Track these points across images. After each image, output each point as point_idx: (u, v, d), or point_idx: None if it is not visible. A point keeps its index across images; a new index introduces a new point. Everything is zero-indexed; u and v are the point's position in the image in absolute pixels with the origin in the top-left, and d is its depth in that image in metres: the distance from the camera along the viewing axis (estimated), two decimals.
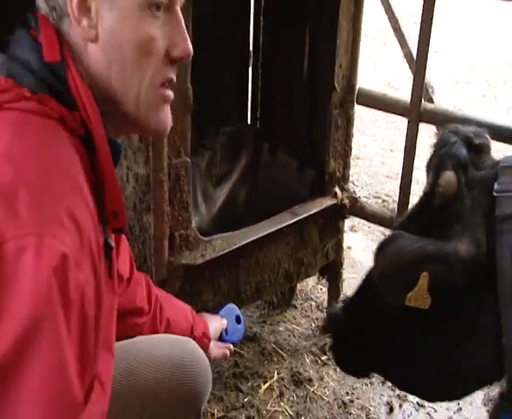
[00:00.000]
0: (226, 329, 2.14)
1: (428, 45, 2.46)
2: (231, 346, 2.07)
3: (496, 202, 1.51)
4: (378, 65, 5.72)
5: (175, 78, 1.30)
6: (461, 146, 1.61)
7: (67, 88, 1.18)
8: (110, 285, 1.38)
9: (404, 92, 2.46)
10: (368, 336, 1.86)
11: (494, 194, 1.52)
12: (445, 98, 5.31)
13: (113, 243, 1.35)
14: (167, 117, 1.33)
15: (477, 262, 1.50)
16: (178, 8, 1.23)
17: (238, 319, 2.18)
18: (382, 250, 1.59)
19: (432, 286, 1.50)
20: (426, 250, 1.52)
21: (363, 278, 1.91)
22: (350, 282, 3.04)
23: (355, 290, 1.94)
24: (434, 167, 1.65)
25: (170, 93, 1.30)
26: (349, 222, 3.03)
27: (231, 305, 2.14)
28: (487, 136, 1.69)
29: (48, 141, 1.14)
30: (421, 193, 1.74)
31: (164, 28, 1.21)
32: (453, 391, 1.87)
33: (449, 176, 1.58)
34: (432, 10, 2.41)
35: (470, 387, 1.81)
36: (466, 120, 2.41)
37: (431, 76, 5.60)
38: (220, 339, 2.15)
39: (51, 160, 1.12)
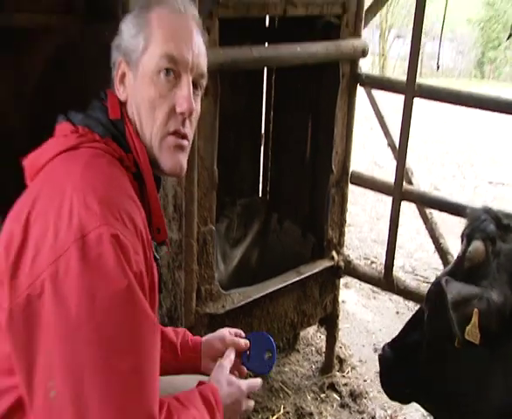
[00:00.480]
0: (249, 355, 1.77)
1: (407, 140, 2.53)
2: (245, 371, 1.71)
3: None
4: (366, 146, 5.80)
5: (184, 131, 1.34)
6: (490, 222, 1.62)
7: (124, 137, 1.32)
8: (153, 297, 1.39)
9: (387, 170, 2.55)
10: (414, 369, 1.80)
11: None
12: (423, 176, 5.39)
13: (157, 255, 1.42)
14: (179, 161, 1.37)
15: (504, 311, 1.49)
16: (185, 75, 1.30)
17: (269, 351, 1.74)
18: (450, 284, 1.56)
19: (481, 324, 1.48)
20: (479, 292, 1.51)
21: (413, 316, 1.88)
22: (345, 331, 3.05)
23: (405, 325, 1.90)
24: (466, 237, 1.65)
25: (181, 142, 1.35)
26: (343, 279, 3.00)
27: (265, 335, 1.76)
28: None
29: (111, 170, 1.25)
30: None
31: (173, 89, 1.29)
32: None
33: (478, 245, 1.59)
34: (411, 109, 2.46)
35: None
36: (436, 201, 2.54)
37: (411, 158, 5.72)
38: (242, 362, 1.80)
39: (114, 181, 1.23)
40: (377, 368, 2.81)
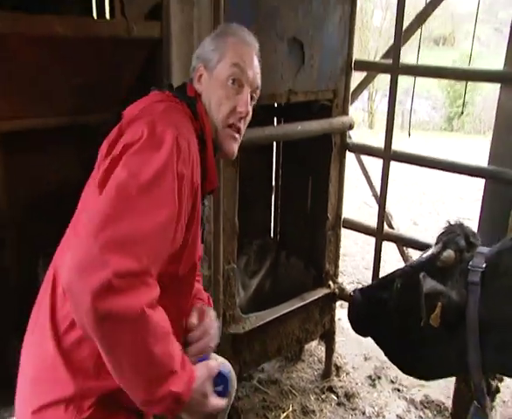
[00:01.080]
0: None
1: (386, 194, 2.55)
2: None
3: (469, 273, 1.54)
4: (359, 187, 5.85)
5: (239, 126, 1.44)
6: (462, 238, 1.67)
7: (196, 110, 1.41)
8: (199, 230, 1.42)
9: (375, 210, 2.59)
10: (377, 318, 1.85)
11: (469, 268, 1.55)
12: (403, 213, 5.44)
13: (206, 202, 1.51)
14: (233, 148, 1.48)
15: (460, 307, 1.52)
16: (246, 86, 1.42)
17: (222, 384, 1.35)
18: (425, 282, 1.58)
19: (442, 314, 1.52)
20: (445, 290, 1.53)
21: (385, 277, 1.90)
22: (340, 343, 3.05)
23: (376, 283, 1.99)
24: (442, 243, 1.69)
25: (236, 135, 1.46)
26: (340, 302, 3.01)
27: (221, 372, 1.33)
28: (478, 237, 1.72)
29: (185, 118, 1.36)
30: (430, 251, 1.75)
31: (236, 95, 1.42)
32: (428, 376, 1.89)
33: (450, 253, 1.63)
34: (388, 169, 2.47)
35: (440, 375, 1.85)
36: (411, 241, 2.59)
37: (393, 198, 5.65)
38: None
39: (187, 123, 1.34)
40: (367, 374, 2.92)
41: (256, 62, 1.48)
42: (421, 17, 2.66)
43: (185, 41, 2.00)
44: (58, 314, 1.24)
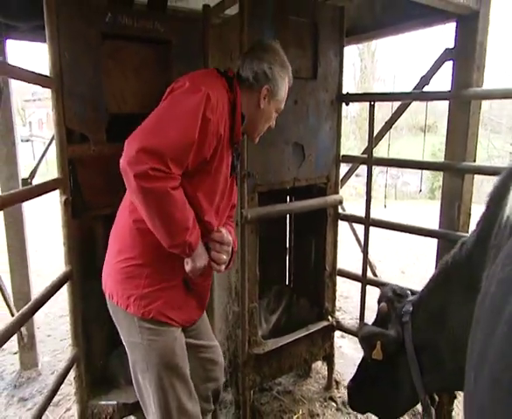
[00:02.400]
0: None
1: (367, 253, 2.58)
2: None
3: (402, 316, 1.54)
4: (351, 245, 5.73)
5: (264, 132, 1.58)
6: (391, 292, 1.67)
7: (232, 84, 1.44)
8: (227, 163, 1.45)
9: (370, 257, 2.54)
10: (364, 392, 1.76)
11: (402, 312, 1.55)
12: (393, 263, 5.35)
13: (236, 145, 1.50)
14: (256, 140, 1.62)
15: (397, 341, 1.51)
16: (278, 114, 1.57)
17: None
18: (362, 329, 1.61)
19: (382, 349, 1.52)
20: (381, 331, 1.55)
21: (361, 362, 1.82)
22: (340, 364, 3.04)
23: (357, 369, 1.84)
24: (379, 301, 1.70)
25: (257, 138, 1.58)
26: (340, 332, 2.99)
27: None
28: (407, 291, 1.69)
29: (218, 83, 1.40)
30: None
31: (273, 116, 1.56)
32: (392, 416, 1.77)
33: (384, 305, 1.65)
34: (368, 233, 2.53)
35: (402, 413, 1.74)
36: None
37: (384, 250, 5.61)
38: None
39: (218, 86, 1.38)
40: None
41: None
42: (388, 123, 2.81)
43: None
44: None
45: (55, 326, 3.69)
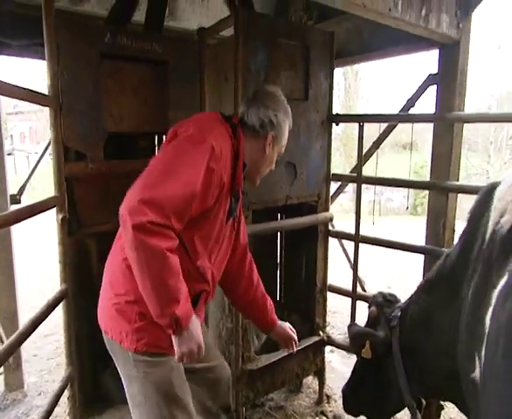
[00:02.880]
0: None
1: (357, 269, 2.59)
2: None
3: (391, 320, 1.60)
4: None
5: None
6: (381, 298, 1.74)
7: (236, 132, 1.43)
8: (224, 210, 1.41)
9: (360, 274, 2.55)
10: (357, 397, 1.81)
11: (390, 317, 1.62)
12: (380, 279, 5.41)
13: (239, 194, 1.50)
14: (257, 183, 1.61)
15: (385, 342, 1.58)
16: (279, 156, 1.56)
17: None
18: (352, 328, 1.70)
19: (371, 348, 1.58)
20: (370, 331, 1.63)
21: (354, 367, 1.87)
22: (331, 379, 3.03)
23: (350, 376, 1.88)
24: (369, 305, 1.77)
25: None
26: (330, 347, 3.00)
27: None
28: (396, 297, 1.76)
29: (223, 131, 1.38)
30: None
31: (275, 159, 1.56)
32: (383, 417, 1.83)
33: (374, 309, 1.72)
34: (358, 249, 2.57)
35: (391, 415, 1.79)
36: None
37: (373, 267, 5.65)
38: None
39: (223, 134, 1.37)
40: None
41: None
42: (376, 144, 2.91)
43: None
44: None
45: (41, 345, 3.59)
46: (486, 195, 1.25)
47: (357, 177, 2.53)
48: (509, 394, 0.81)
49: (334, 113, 2.63)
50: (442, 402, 2.38)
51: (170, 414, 1.38)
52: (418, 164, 11.80)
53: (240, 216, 1.63)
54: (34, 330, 1.53)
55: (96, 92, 1.85)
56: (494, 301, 0.99)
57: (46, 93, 1.74)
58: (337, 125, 2.67)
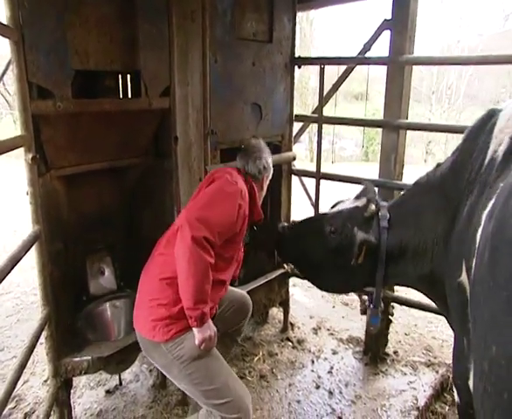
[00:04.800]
0: None
1: (318, 202, 2.76)
2: None
3: (380, 221, 1.66)
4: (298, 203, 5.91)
5: None
6: (376, 195, 1.81)
7: (248, 181, 1.87)
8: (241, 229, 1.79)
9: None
10: (303, 251, 1.87)
11: (380, 217, 1.67)
12: None
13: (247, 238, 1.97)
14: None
15: (376, 245, 1.64)
16: None
17: None
18: (358, 231, 1.67)
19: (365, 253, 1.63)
20: (367, 238, 1.64)
21: (313, 219, 1.97)
22: (293, 309, 3.21)
23: (303, 223, 1.96)
24: (366, 199, 1.76)
25: None
26: (292, 281, 3.16)
27: None
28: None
29: (241, 178, 1.84)
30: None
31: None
32: (343, 290, 2.03)
33: (373, 207, 1.71)
34: (319, 188, 2.72)
35: (352, 289, 1.93)
36: None
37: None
38: None
39: (242, 180, 1.82)
40: (311, 326, 3.10)
41: None
42: (335, 85, 3.04)
43: (183, 109, 2.21)
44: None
45: None
46: (483, 120, 1.36)
47: (319, 117, 2.66)
48: (493, 295, 0.91)
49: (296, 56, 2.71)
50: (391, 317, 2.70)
51: (206, 366, 1.69)
52: (370, 112, 12.28)
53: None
54: (7, 274, 1.51)
55: (60, 25, 1.78)
56: (482, 222, 1.08)
57: (5, 24, 1.66)
58: (299, 67, 2.76)
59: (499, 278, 0.90)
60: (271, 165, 1.96)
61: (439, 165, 1.59)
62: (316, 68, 2.66)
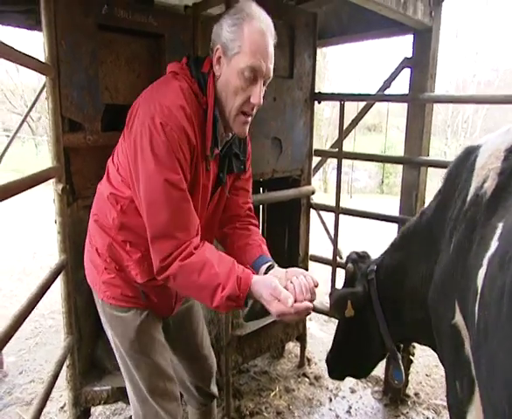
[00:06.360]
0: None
1: (337, 238, 2.75)
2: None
3: (368, 274, 1.71)
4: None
5: (252, 113, 1.27)
6: (355, 255, 1.87)
7: (206, 85, 1.25)
8: (207, 175, 1.32)
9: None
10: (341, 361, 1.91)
11: (368, 271, 1.72)
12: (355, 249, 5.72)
13: (210, 157, 1.29)
14: (244, 131, 1.30)
15: (364, 296, 1.68)
16: (260, 79, 1.22)
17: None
18: (333, 294, 1.78)
19: (353, 306, 1.67)
20: (349, 291, 1.73)
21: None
22: (310, 343, 3.20)
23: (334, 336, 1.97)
24: (345, 264, 1.90)
25: (248, 119, 1.28)
26: (309, 316, 3.05)
27: None
28: (368, 253, 1.88)
29: (177, 93, 1.21)
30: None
31: (250, 86, 1.21)
32: (366, 371, 1.94)
33: (350, 266, 1.83)
34: (338, 220, 2.72)
35: (374, 366, 1.90)
36: None
37: (348, 240, 5.85)
38: None
39: (174, 97, 1.21)
40: None
41: (270, 49, 1.22)
42: (355, 121, 3.11)
43: None
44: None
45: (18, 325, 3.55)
46: (462, 159, 1.38)
47: (338, 152, 2.71)
48: None
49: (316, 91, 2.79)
50: (412, 357, 2.66)
51: (136, 366, 1.47)
52: (383, 144, 12.37)
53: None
54: (36, 305, 1.53)
55: (93, 63, 1.89)
56: (485, 265, 1.04)
57: (44, 62, 1.76)
58: (319, 103, 2.83)
59: None
60: (232, 30, 1.21)
61: (423, 213, 1.58)
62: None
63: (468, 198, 1.28)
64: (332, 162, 10.77)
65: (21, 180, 1.58)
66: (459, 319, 1.20)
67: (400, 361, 1.73)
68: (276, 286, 1.13)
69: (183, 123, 1.18)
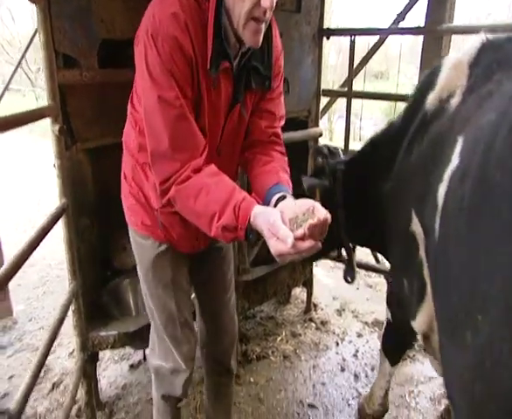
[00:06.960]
0: None
1: None
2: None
3: (336, 172, 1.75)
4: None
5: (264, 18, 1.09)
6: (326, 150, 1.90)
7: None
8: (217, 92, 1.19)
9: None
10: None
11: (334, 169, 1.76)
12: None
13: (213, 71, 1.14)
14: (257, 41, 1.13)
15: (330, 188, 1.74)
16: None
17: None
18: (304, 181, 1.78)
19: (320, 196, 1.72)
20: (318, 181, 1.77)
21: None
22: (315, 289, 3.15)
23: None
24: (313, 155, 2.03)
25: (261, 27, 1.11)
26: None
27: None
28: (339, 150, 1.93)
29: (182, 8, 1.08)
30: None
31: None
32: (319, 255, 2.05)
33: (320, 160, 1.88)
34: None
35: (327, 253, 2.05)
36: None
37: None
38: None
39: (173, 7, 1.07)
40: (335, 308, 3.09)
41: None
42: (366, 58, 2.96)
43: None
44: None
45: (24, 275, 3.60)
46: (429, 77, 1.37)
47: (348, 91, 2.59)
48: (472, 260, 0.87)
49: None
50: None
51: (156, 294, 1.47)
52: (392, 91, 12.01)
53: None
54: (37, 246, 1.50)
55: None
56: (447, 178, 1.03)
57: None
58: (328, 39, 2.67)
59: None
60: None
61: (392, 123, 1.60)
62: (336, 44, 2.57)
63: (429, 111, 1.29)
64: (338, 110, 10.51)
65: (20, 114, 1.49)
66: (416, 227, 1.24)
67: (354, 261, 1.81)
68: (274, 222, 0.96)
69: (175, 33, 1.05)
